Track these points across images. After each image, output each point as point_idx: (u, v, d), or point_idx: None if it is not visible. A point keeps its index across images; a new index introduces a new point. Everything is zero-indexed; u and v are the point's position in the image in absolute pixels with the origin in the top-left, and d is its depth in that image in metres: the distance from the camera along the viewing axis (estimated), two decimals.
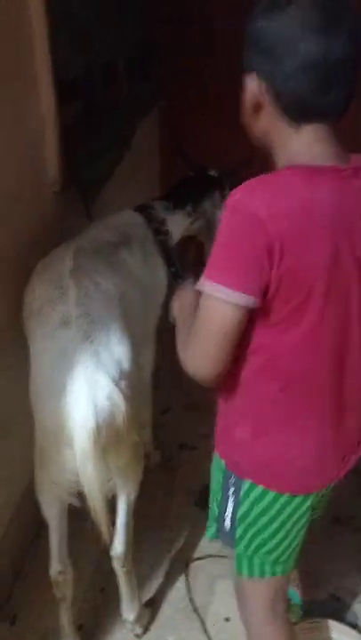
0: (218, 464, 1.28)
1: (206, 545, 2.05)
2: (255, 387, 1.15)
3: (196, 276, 1.08)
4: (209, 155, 2.34)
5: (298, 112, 1.01)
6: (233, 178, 2.28)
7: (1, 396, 1.73)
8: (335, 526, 2.11)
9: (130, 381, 1.36)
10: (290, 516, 1.21)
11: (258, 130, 1.08)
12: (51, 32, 1.76)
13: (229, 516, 1.25)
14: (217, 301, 1.01)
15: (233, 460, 1.23)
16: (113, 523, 1.52)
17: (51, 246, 1.71)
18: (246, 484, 1.20)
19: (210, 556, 2.02)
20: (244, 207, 0.98)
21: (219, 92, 3.14)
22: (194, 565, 1.99)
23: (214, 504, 1.31)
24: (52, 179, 1.93)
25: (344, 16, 0.95)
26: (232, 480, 1.23)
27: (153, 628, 1.80)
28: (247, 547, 1.26)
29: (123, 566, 1.62)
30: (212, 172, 2.30)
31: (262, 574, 1.28)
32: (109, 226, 1.84)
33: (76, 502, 1.41)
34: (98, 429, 1.25)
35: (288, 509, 1.20)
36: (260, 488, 1.19)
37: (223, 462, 1.25)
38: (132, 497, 1.56)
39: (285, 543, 1.25)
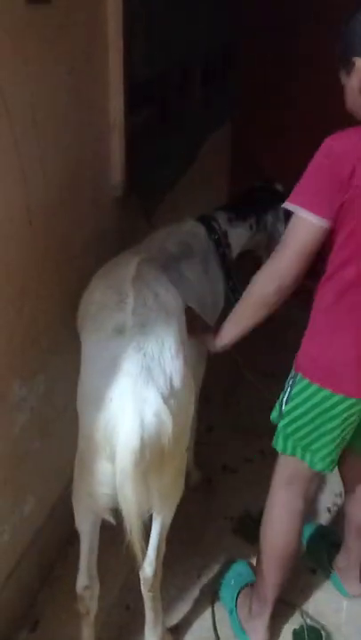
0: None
1: None
2: (317, 298, 1.48)
3: None
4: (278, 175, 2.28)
5: None
6: None
7: (46, 396, 1.70)
8: None
9: (179, 400, 1.29)
10: (326, 411, 1.46)
11: None
12: (127, 33, 1.73)
13: (285, 402, 1.55)
14: (302, 221, 1.33)
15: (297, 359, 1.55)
16: (146, 543, 1.47)
17: (108, 251, 1.68)
18: (298, 376, 1.51)
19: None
20: (328, 147, 1.32)
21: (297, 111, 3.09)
22: None
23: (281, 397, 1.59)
24: (114, 183, 1.90)
25: None
26: (292, 373, 1.55)
27: None
28: (286, 426, 1.55)
29: (149, 590, 1.56)
30: (278, 187, 2.23)
31: (293, 453, 1.57)
32: (172, 236, 1.80)
33: (110, 519, 1.35)
34: (142, 448, 1.19)
35: (325, 404, 1.46)
36: (306, 381, 1.48)
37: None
38: (168, 520, 1.50)
39: (315, 434, 1.50)
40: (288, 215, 1.98)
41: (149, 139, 2.23)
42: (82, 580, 1.53)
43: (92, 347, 1.37)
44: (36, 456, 1.73)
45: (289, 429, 1.54)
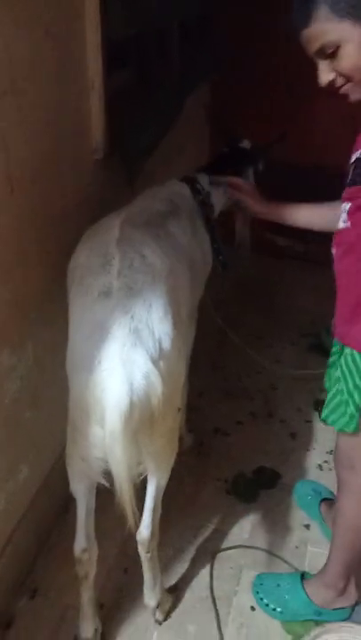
0: (354, 358, 1.42)
1: (235, 535, 2.00)
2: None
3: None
4: (254, 133, 2.28)
5: None
6: (267, 152, 2.21)
7: (36, 365, 1.69)
8: None
9: (169, 363, 1.28)
10: None
11: None
12: None
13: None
14: None
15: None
16: (141, 505, 1.47)
17: (90, 214, 1.65)
18: None
19: (239, 546, 1.96)
20: None
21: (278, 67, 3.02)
22: (221, 555, 1.93)
23: (356, 401, 1.43)
24: (95, 145, 1.85)
25: None
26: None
27: (174, 615, 1.75)
28: None
29: (147, 552, 1.57)
30: (245, 143, 2.24)
31: None
32: (158, 196, 1.76)
33: (104, 482, 1.35)
34: (131, 410, 1.18)
35: None
36: None
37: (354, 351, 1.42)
38: (163, 482, 1.50)
39: None
40: (257, 175, 1.95)
41: (129, 100, 2.18)
42: (80, 543, 1.54)
43: (78, 311, 1.35)
44: (28, 425, 1.72)
45: None
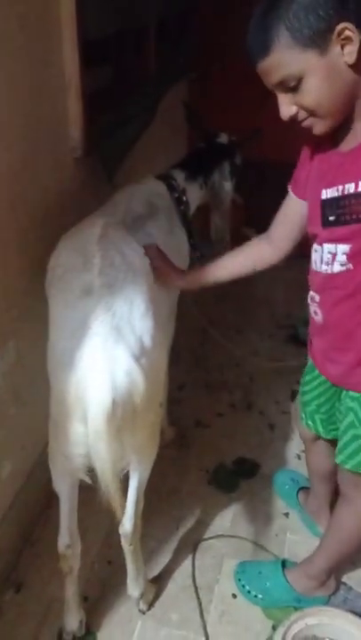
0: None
1: (217, 525, 2.04)
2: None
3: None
4: (233, 130, 2.29)
5: None
6: (243, 147, 2.24)
7: (17, 364, 1.70)
8: None
9: (150, 359, 1.30)
10: None
11: (354, 86, 1.13)
12: None
13: None
14: None
15: None
16: (124, 499, 1.49)
17: (71, 212, 1.65)
18: None
19: (220, 535, 2.00)
20: None
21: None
22: (203, 545, 1.97)
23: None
24: (73, 144, 1.85)
25: None
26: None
27: (157, 604, 1.78)
28: None
29: (130, 544, 1.59)
30: (222, 138, 2.25)
31: None
32: (136, 196, 1.78)
33: (87, 479, 1.37)
34: (113, 408, 1.20)
35: None
36: None
37: None
38: (145, 475, 1.52)
39: None
40: (234, 169, 2.00)
41: (107, 98, 2.18)
42: (63, 539, 1.56)
43: (59, 308, 1.36)
44: (11, 422, 1.73)
45: None
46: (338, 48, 1.09)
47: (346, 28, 1.06)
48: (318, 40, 1.08)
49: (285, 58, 1.11)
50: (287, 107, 1.18)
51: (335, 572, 1.77)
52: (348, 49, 1.09)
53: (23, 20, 1.48)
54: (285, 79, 1.14)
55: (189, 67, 3.13)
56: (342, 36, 1.08)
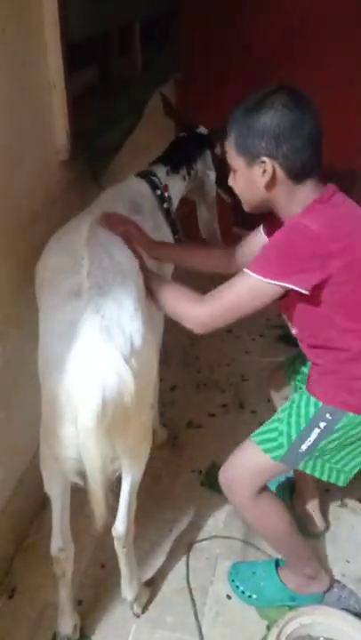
0: (308, 402, 1.55)
1: (210, 526, 2.03)
2: (335, 351, 1.52)
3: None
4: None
5: (305, 173, 1.38)
6: (224, 134, 2.24)
7: (5, 367, 1.69)
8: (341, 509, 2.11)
9: (140, 360, 1.29)
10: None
11: (265, 199, 1.43)
12: None
13: (310, 442, 1.52)
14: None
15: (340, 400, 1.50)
16: (116, 501, 1.49)
17: (58, 215, 1.65)
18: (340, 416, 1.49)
19: (214, 537, 2.00)
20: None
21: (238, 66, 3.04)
22: (196, 546, 1.97)
23: (291, 434, 1.55)
24: (59, 147, 1.84)
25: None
26: (327, 415, 1.50)
27: (152, 607, 1.78)
28: (322, 454, 1.54)
29: (123, 547, 1.59)
30: (202, 130, 2.25)
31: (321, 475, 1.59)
32: (120, 196, 1.78)
33: (78, 481, 1.36)
34: (104, 409, 1.19)
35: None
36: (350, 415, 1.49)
37: (318, 401, 1.53)
38: (137, 478, 1.52)
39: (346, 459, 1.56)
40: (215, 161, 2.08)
41: (92, 99, 2.17)
42: (56, 543, 1.55)
43: (49, 311, 1.36)
44: (1, 426, 1.72)
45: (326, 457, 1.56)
46: (259, 170, 1.38)
47: (266, 163, 1.36)
48: (247, 157, 1.39)
49: (230, 151, 1.44)
50: (231, 180, 1.50)
51: (312, 558, 1.75)
52: (265, 176, 1.38)
53: (4, 24, 1.47)
54: (229, 163, 1.46)
55: (175, 67, 3.13)
56: (263, 167, 1.37)
